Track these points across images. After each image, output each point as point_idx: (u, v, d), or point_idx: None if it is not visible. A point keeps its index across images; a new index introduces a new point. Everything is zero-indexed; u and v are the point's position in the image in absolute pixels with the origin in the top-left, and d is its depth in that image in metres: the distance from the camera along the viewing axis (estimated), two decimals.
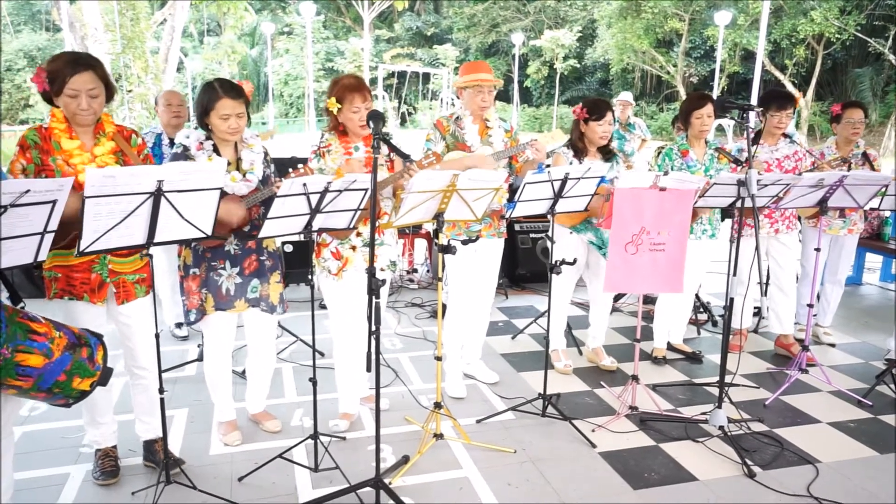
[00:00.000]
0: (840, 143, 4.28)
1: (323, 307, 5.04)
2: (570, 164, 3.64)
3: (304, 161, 3.00)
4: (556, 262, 3.23)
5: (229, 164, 2.75)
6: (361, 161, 2.96)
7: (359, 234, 3.03)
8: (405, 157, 2.70)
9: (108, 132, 2.52)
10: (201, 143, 2.74)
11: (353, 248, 3.02)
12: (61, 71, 2.35)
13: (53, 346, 1.96)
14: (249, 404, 3.21)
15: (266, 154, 2.92)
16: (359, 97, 2.92)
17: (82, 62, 2.39)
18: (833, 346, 4.46)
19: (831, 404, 3.54)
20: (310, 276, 2.73)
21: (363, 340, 2.87)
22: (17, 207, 1.76)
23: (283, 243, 4.31)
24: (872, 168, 4.17)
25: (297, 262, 5.43)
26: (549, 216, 3.23)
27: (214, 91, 2.67)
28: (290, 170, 2.64)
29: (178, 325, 4.48)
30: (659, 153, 4.42)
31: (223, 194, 2.38)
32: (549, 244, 3.29)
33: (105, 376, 2.14)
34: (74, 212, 2.02)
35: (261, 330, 3.02)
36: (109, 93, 2.48)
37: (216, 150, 2.77)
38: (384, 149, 3.06)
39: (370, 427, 3.18)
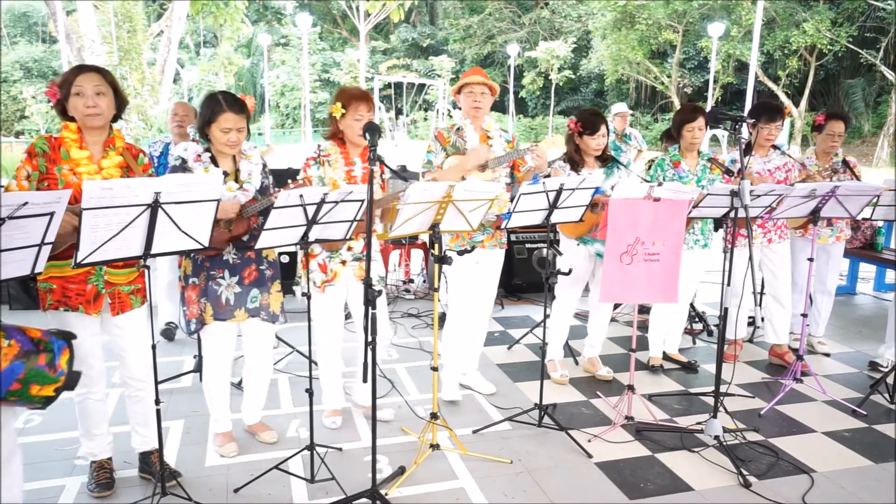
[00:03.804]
0: (819, 153, 4.33)
1: None
2: (568, 175, 3.67)
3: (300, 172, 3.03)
4: (551, 271, 3.25)
5: (227, 174, 2.78)
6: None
7: (349, 249, 3.06)
8: (401, 177, 2.73)
9: (117, 147, 2.58)
10: (199, 156, 2.76)
11: (343, 262, 3.05)
12: (69, 76, 2.47)
13: None
14: (245, 415, 3.21)
15: (264, 165, 2.96)
16: (364, 106, 2.99)
17: (89, 66, 2.53)
18: (828, 355, 4.47)
19: (826, 414, 3.56)
20: (295, 287, 2.75)
21: (344, 346, 2.90)
22: (15, 219, 1.77)
23: (280, 254, 4.35)
24: (854, 175, 4.22)
25: (293, 273, 5.43)
26: (556, 226, 3.25)
27: (218, 103, 2.71)
28: (290, 181, 2.66)
29: (168, 323, 4.52)
30: (650, 166, 4.46)
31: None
32: (545, 253, 3.31)
33: (71, 381, 2.06)
34: (68, 225, 2.04)
35: (259, 340, 3.03)
36: (119, 102, 2.55)
37: (214, 161, 2.79)
38: (377, 167, 3.10)
39: (366, 438, 3.17)
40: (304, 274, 3.05)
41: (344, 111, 2.97)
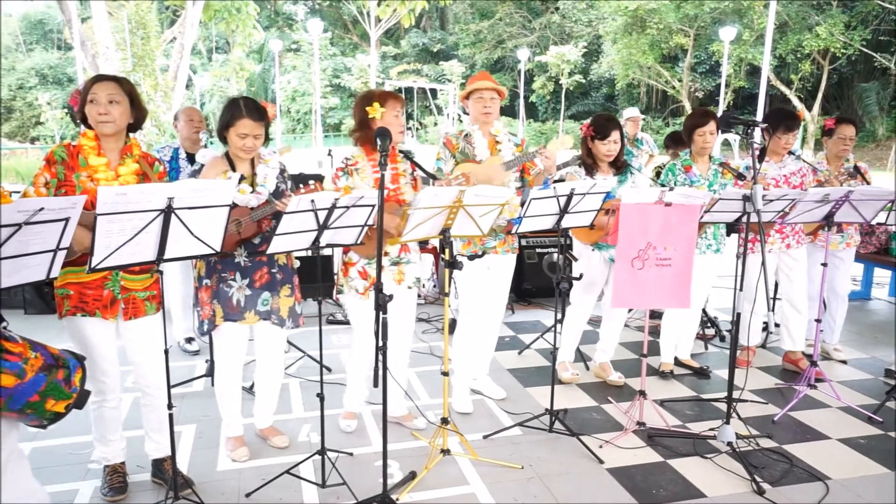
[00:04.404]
0: (830, 157, 4.29)
1: (330, 322, 5.06)
2: (583, 180, 3.66)
3: (315, 177, 3.04)
4: (562, 276, 3.24)
5: (244, 178, 2.82)
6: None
7: (387, 254, 3.07)
8: (431, 176, 2.72)
9: (134, 154, 2.62)
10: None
11: (383, 267, 3.05)
12: (87, 84, 2.52)
13: (27, 366, 1.95)
14: (257, 419, 3.22)
15: (283, 170, 2.98)
16: (399, 103, 3.03)
17: (108, 76, 2.57)
18: (844, 362, 4.41)
19: (841, 420, 3.52)
20: (339, 295, 2.77)
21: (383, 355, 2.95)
22: (31, 225, 1.79)
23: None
24: (865, 180, 4.18)
25: (305, 278, 5.42)
26: (568, 232, 3.24)
27: (238, 109, 2.74)
28: (301, 185, 2.68)
29: (189, 340, 4.50)
30: (658, 173, 4.44)
31: (234, 206, 2.43)
32: (555, 258, 3.30)
33: (81, 399, 2.12)
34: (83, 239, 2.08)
35: (270, 343, 3.04)
36: (138, 112, 2.58)
37: (231, 165, 2.83)
38: (408, 165, 3.12)
39: (377, 443, 3.18)
40: (344, 282, 3.08)
41: (383, 109, 2.98)
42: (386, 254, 3.07)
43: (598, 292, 3.93)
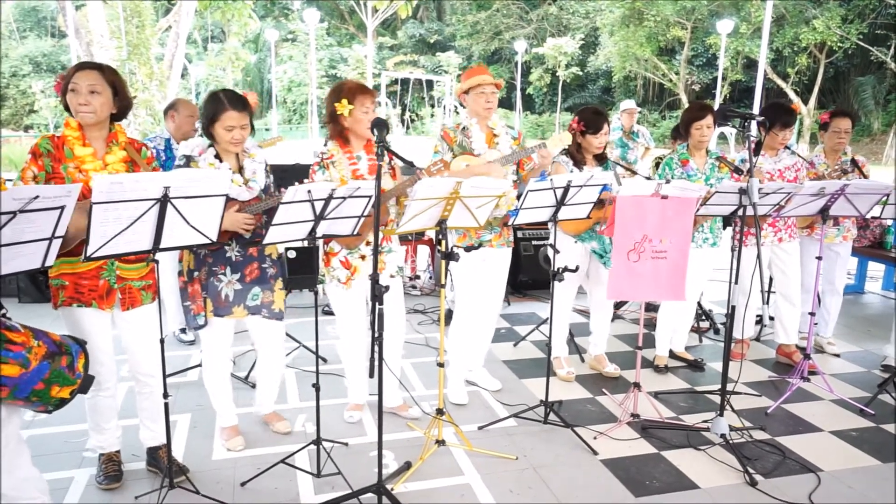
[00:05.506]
0: (827, 151, 4.30)
1: (326, 313, 5.06)
2: (571, 171, 3.67)
3: (309, 169, 3.03)
4: (558, 269, 3.24)
5: (231, 171, 2.79)
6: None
7: (368, 244, 3.06)
8: (409, 164, 2.71)
9: (120, 142, 2.58)
10: (204, 150, 2.77)
11: (363, 257, 3.06)
12: (70, 72, 2.48)
13: (31, 355, 1.95)
14: (259, 406, 3.24)
15: (266, 165, 2.95)
16: (369, 98, 2.98)
17: (90, 63, 2.52)
18: (837, 356, 4.44)
19: (833, 413, 3.55)
20: (320, 285, 2.76)
21: (368, 341, 2.94)
22: (26, 213, 1.78)
23: (287, 249, 4.31)
24: (862, 174, 4.19)
25: (301, 269, 5.43)
26: (550, 224, 3.26)
27: (220, 102, 2.70)
28: (297, 183, 2.67)
29: (183, 330, 4.49)
30: (657, 164, 4.44)
31: (227, 199, 2.41)
32: (550, 252, 3.31)
33: (86, 384, 2.13)
34: (79, 228, 2.06)
35: (268, 336, 3.04)
36: (122, 102, 2.54)
37: (218, 158, 2.80)
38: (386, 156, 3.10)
39: (372, 433, 3.19)
40: (326, 271, 3.08)
41: (352, 107, 2.95)
42: (367, 243, 3.06)
43: (577, 283, 3.94)
